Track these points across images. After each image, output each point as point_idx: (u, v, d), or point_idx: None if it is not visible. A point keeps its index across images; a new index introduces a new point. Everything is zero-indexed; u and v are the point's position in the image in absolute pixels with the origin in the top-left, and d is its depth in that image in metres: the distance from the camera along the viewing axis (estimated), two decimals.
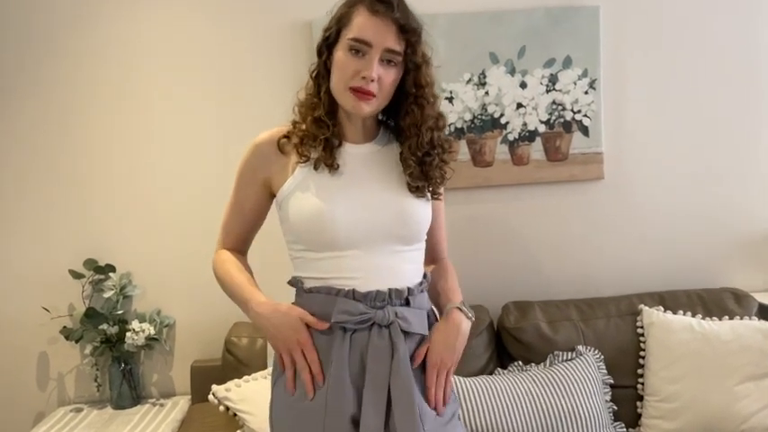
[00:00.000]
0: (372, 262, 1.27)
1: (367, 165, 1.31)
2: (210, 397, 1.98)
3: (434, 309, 1.41)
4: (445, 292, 1.40)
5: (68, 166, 2.39)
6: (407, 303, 1.30)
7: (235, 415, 1.99)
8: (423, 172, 1.30)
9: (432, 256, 1.47)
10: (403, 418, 1.23)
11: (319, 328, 1.27)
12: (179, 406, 2.38)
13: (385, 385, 1.25)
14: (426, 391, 1.30)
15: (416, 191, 1.29)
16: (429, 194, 1.33)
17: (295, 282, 1.35)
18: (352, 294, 1.26)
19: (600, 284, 2.53)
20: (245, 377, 2.03)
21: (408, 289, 1.30)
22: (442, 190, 1.38)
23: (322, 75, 1.30)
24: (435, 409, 1.29)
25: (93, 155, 2.40)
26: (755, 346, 2.07)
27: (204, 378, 2.32)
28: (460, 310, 1.34)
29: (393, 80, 1.27)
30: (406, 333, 1.27)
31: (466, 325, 1.34)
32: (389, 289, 1.27)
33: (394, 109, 1.33)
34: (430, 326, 1.35)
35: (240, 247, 1.46)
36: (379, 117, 1.39)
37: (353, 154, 1.32)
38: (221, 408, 1.97)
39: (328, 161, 1.27)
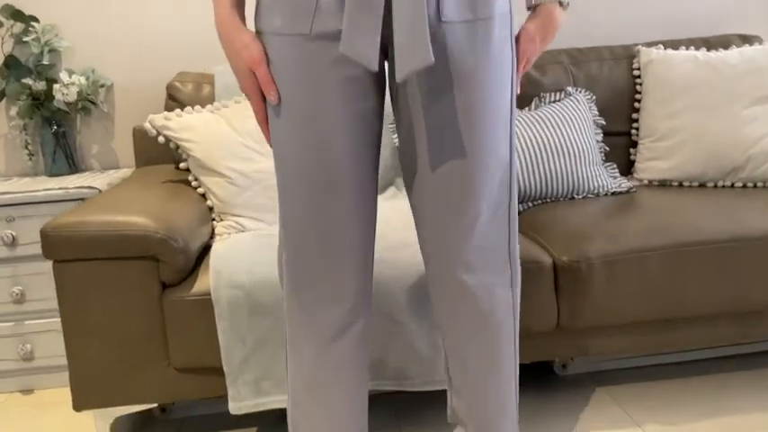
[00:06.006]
0: None
1: None
2: (147, 125, 1.71)
3: None
4: None
5: None
6: None
7: (177, 148, 1.73)
8: None
9: None
10: (404, 34, 0.89)
11: (269, 96, 0.99)
12: (122, 172, 2.13)
13: None
14: None
15: None
16: None
17: None
18: None
19: (594, 36, 2.26)
20: (188, 108, 1.77)
21: None
22: None
23: None
24: None
25: None
26: (766, 67, 1.83)
27: (148, 142, 2.05)
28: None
29: None
30: None
31: (560, 15, 1.08)
32: None
33: None
34: None
35: None
36: None
37: None
38: (160, 138, 1.71)
39: None
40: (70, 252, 1.36)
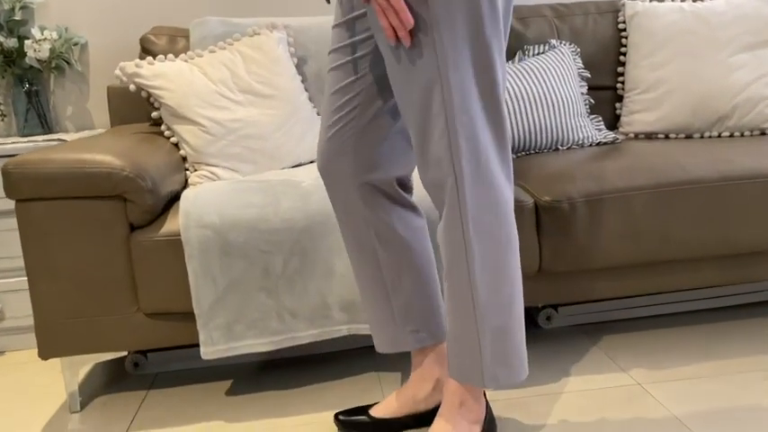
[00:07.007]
0: None
1: None
2: (117, 72, 1.66)
3: None
4: None
5: None
6: None
7: (149, 98, 1.68)
8: None
9: None
10: None
11: None
12: (96, 132, 2.08)
13: None
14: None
15: None
16: None
17: None
18: None
19: None
20: (160, 56, 1.71)
21: None
22: None
23: None
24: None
25: None
26: (753, 14, 1.80)
27: (122, 101, 2.01)
28: None
29: None
30: None
31: None
32: None
33: None
34: None
35: None
36: None
37: None
38: (131, 87, 1.66)
39: None
40: (33, 190, 1.31)
